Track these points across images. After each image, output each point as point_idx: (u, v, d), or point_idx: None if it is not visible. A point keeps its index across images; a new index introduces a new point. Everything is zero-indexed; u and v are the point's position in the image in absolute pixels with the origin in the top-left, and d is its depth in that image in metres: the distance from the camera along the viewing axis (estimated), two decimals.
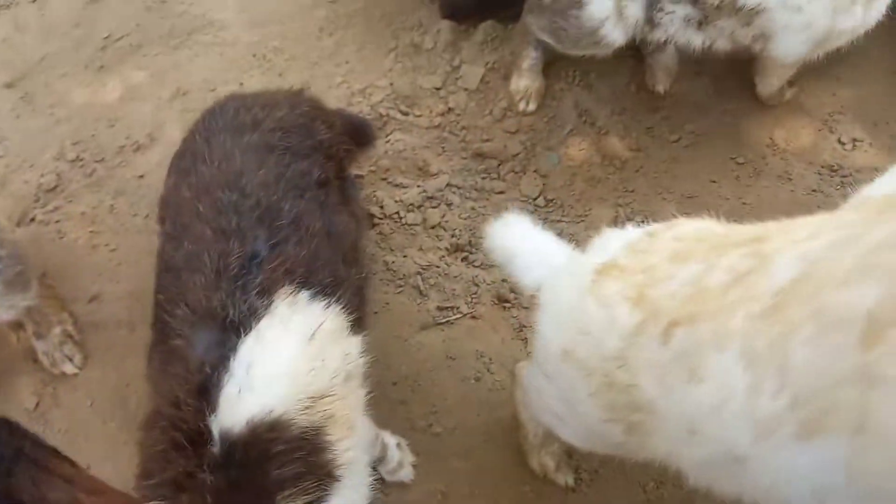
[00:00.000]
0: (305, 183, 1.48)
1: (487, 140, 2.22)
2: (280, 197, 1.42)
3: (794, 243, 0.89)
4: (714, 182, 2.09)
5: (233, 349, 1.21)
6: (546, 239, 1.41)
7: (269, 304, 1.28)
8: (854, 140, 2.10)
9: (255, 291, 1.29)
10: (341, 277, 1.50)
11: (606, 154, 2.19)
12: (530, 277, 1.35)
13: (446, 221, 2.09)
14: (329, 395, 1.25)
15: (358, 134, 2.02)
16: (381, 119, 2.23)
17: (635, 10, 1.83)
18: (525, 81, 2.23)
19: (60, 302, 1.91)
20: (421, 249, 2.04)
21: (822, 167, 2.09)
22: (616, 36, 1.88)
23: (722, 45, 1.87)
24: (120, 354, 1.86)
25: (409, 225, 2.08)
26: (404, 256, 2.02)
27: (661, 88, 2.21)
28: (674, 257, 1.06)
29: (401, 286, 1.98)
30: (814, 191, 2.05)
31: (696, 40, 1.87)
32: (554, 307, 1.23)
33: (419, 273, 1.98)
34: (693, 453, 0.96)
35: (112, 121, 2.18)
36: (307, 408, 1.19)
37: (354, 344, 1.39)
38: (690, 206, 2.07)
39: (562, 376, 1.20)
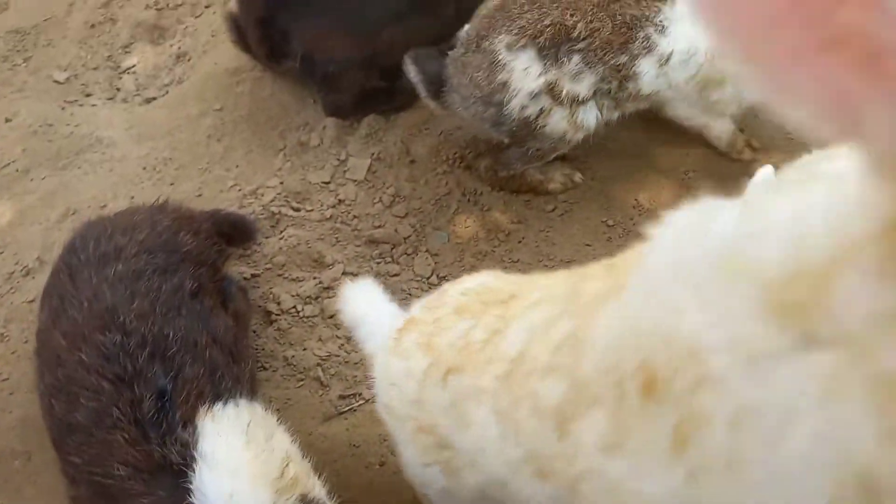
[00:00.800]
0: (180, 298, 1.53)
1: (379, 226, 2.33)
2: (161, 324, 1.47)
3: (524, 309, 1.04)
4: (589, 245, 2.25)
5: (190, 488, 1.24)
6: (386, 307, 1.52)
7: (197, 431, 1.33)
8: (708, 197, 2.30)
9: (179, 427, 1.34)
10: (237, 377, 1.56)
11: (491, 228, 2.32)
12: (370, 344, 1.46)
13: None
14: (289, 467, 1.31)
15: (237, 231, 2.11)
16: (274, 217, 2.32)
17: (587, 115, 2.09)
18: (558, 177, 2.34)
19: None
20: (320, 340, 2.10)
21: None
22: (578, 136, 2.12)
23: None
24: (17, 485, 1.82)
25: (307, 317, 2.15)
26: (304, 349, 2.08)
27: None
28: (456, 310, 1.23)
29: (302, 380, 2.02)
30: None
31: (616, 117, 2.17)
32: (377, 369, 1.37)
33: (319, 364, 2.04)
34: (476, 479, 1.12)
35: (1, 247, 2.20)
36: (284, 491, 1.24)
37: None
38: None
39: (392, 431, 1.34)
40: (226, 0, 2.78)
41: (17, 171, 2.35)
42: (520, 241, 2.29)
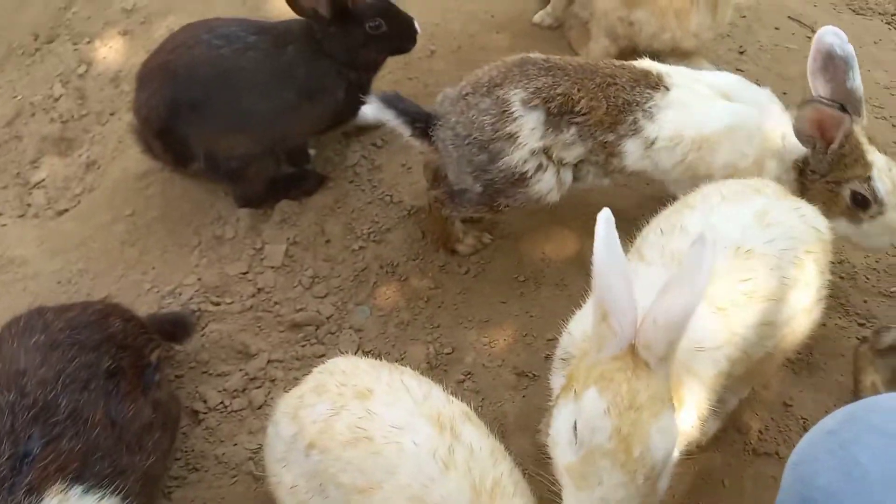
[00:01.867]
0: (91, 374, 1.59)
1: (300, 309, 2.37)
2: (58, 392, 1.52)
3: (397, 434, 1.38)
4: (504, 303, 2.33)
5: None
6: None
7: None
8: None
9: (22, 492, 1.37)
10: (123, 466, 1.57)
11: (410, 297, 2.39)
12: None
13: (272, 398, 2.17)
14: None
15: (176, 329, 2.14)
16: (195, 314, 2.33)
17: (567, 175, 2.19)
18: (469, 240, 2.42)
19: None
20: (250, 433, 2.10)
21: (591, 268, 2.38)
22: (554, 196, 2.19)
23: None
24: None
25: (236, 411, 2.15)
26: (234, 445, 2.08)
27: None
28: (316, 389, 1.49)
29: (235, 476, 2.02)
30: (586, 291, 2.33)
31: (606, 182, 2.28)
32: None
33: (251, 458, 2.03)
34: None
35: None
36: None
37: None
38: (487, 329, 2.28)
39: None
40: (129, 107, 2.83)
41: None
42: (439, 306, 2.36)
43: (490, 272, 2.40)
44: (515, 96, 2.09)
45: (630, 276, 1.27)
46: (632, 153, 2.11)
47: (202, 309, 2.34)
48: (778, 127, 2.09)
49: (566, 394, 1.31)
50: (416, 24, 2.40)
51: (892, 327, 2.12)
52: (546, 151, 2.13)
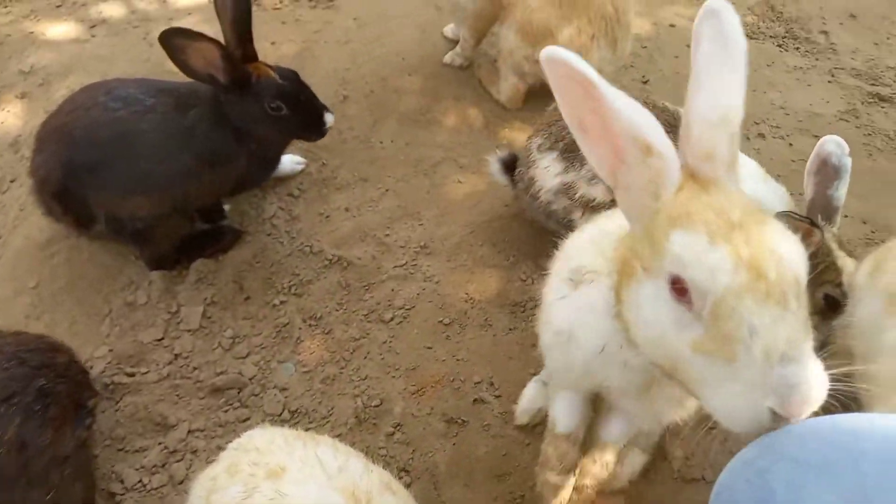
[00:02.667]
0: (18, 388, 1.61)
1: (221, 373, 2.28)
2: None
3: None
4: (430, 348, 2.31)
5: None
6: None
7: None
8: (530, 275, 2.45)
9: None
10: (16, 498, 1.51)
11: (335, 350, 2.33)
12: None
13: (194, 471, 2.07)
14: None
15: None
16: (109, 388, 2.22)
17: None
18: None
19: None
20: None
21: (513, 305, 2.40)
22: None
23: None
24: None
25: (155, 489, 2.04)
26: None
27: None
28: (228, 469, 1.37)
29: None
30: (511, 329, 2.34)
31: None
32: None
33: None
34: None
35: None
36: None
37: None
38: (415, 376, 2.25)
39: None
40: (28, 171, 2.72)
41: None
42: (365, 357, 2.31)
43: (414, 317, 2.38)
44: (534, 143, 2.32)
45: None
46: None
47: (115, 381, 2.23)
48: None
49: (629, 282, 1.10)
50: (329, 117, 2.32)
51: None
52: (568, 191, 2.22)
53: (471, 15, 2.89)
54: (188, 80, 2.17)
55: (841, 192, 2.12)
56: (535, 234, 2.52)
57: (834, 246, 2.05)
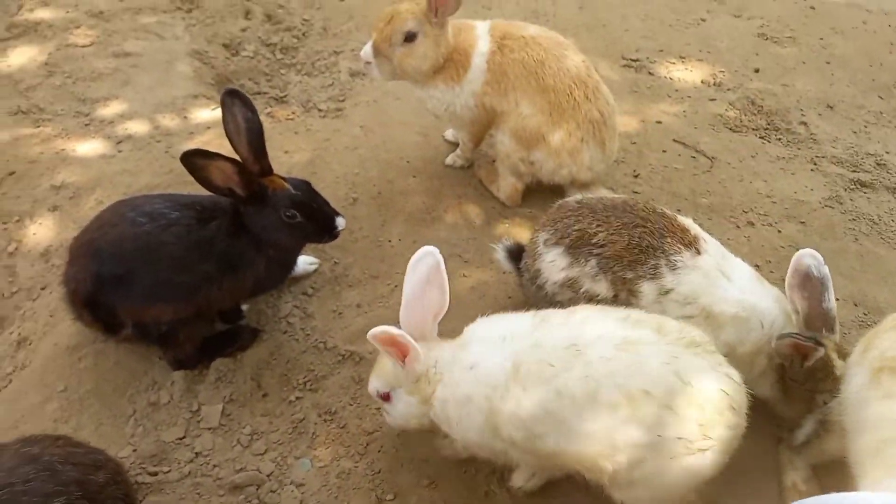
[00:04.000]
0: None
1: (240, 470, 2.36)
2: None
3: None
4: (445, 437, 2.38)
5: None
6: None
7: None
8: None
9: None
10: None
11: (350, 444, 2.41)
12: None
13: None
14: None
15: None
16: (132, 488, 2.30)
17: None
18: None
19: None
20: None
21: None
22: None
23: None
24: None
25: None
26: None
27: None
28: None
29: None
30: None
31: None
32: None
33: None
34: None
35: None
36: None
37: None
38: (428, 469, 2.32)
39: None
40: (60, 280, 2.89)
41: None
42: (379, 451, 2.39)
43: None
44: (541, 237, 2.44)
45: None
46: (647, 295, 2.24)
47: (139, 482, 2.30)
48: (774, 330, 2.22)
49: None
50: (340, 221, 2.47)
51: (804, 424, 2.26)
52: (573, 286, 2.33)
53: (468, 123, 3.12)
54: (209, 193, 2.36)
55: (832, 302, 2.18)
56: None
57: (833, 356, 2.13)
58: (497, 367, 1.89)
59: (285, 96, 4.01)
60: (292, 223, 2.40)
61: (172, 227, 2.33)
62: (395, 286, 2.89)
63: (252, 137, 2.37)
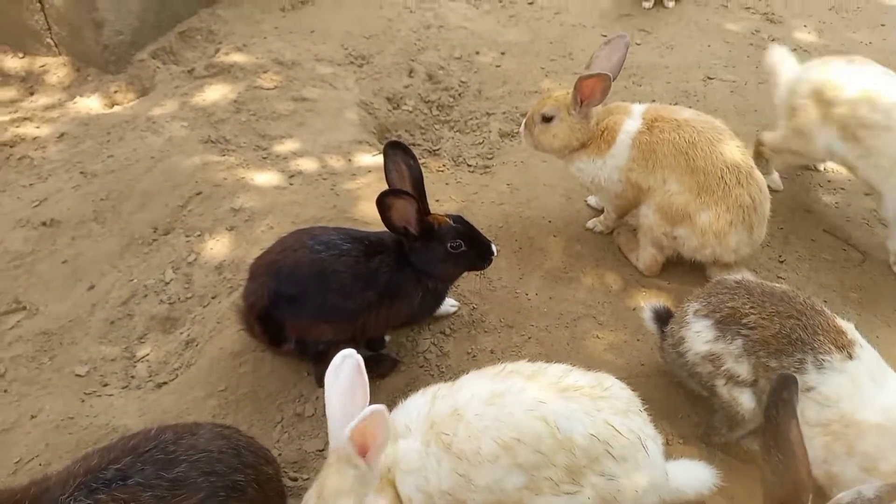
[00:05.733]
0: (220, 470, 1.93)
1: None
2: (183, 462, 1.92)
3: None
4: None
5: None
6: None
7: None
8: (666, 436, 2.57)
9: None
10: None
11: None
12: None
13: None
14: None
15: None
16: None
17: (743, 395, 2.40)
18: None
19: None
20: None
21: None
22: (744, 412, 2.42)
23: None
24: None
25: None
26: None
27: None
28: None
29: None
30: None
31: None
32: None
33: None
34: None
35: None
36: None
37: None
38: None
39: None
40: (230, 292, 3.24)
41: (41, 465, 2.57)
42: None
43: None
44: (691, 307, 2.50)
45: None
46: None
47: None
48: None
49: None
50: (494, 248, 2.75)
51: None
52: (714, 361, 2.38)
53: (613, 196, 3.25)
54: (373, 230, 2.61)
55: None
56: (671, 393, 2.66)
57: None
58: (413, 454, 2.00)
59: (438, 150, 4.32)
60: (457, 253, 2.64)
61: (343, 256, 2.60)
62: (529, 338, 3.02)
63: (415, 181, 2.63)
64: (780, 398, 1.79)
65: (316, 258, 2.61)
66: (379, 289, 2.62)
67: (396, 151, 2.64)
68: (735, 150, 2.97)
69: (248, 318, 2.74)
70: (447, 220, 2.67)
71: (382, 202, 2.47)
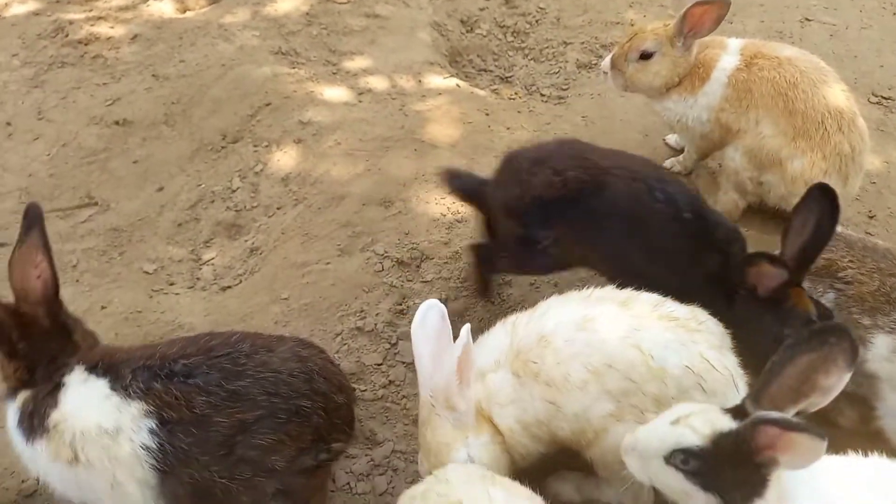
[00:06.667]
0: (285, 392, 1.92)
1: None
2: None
3: None
4: None
5: None
6: None
7: None
8: None
9: None
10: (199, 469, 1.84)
11: None
12: None
13: (393, 487, 2.30)
14: None
15: None
16: None
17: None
18: None
19: None
20: None
21: None
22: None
23: None
24: None
25: (360, 494, 2.29)
26: None
27: None
28: (423, 494, 1.61)
29: None
30: None
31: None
32: None
33: None
34: None
35: None
36: None
37: None
38: None
39: None
40: (294, 203, 3.23)
41: None
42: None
43: None
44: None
45: None
46: (878, 348, 2.10)
47: None
48: None
49: None
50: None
51: None
52: None
53: (697, 137, 3.08)
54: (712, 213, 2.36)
55: None
56: None
57: None
58: (506, 385, 1.96)
59: (510, 77, 4.17)
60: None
61: (675, 222, 2.27)
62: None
63: (810, 242, 2.06)
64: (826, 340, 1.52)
65: (649, 204, 2.28)
66: (680, 285, 2.12)
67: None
68: (839, 95, 2.76)
69: (499, 206, 2.48)
70: (810, 305, 2.10)
71: (750, 259, 2.12)
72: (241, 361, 1.90)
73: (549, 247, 2.43)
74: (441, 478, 1.71)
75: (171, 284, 3.03)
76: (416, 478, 2.33)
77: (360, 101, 3.75)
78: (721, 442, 1.54)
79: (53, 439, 1.82)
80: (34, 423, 1.85)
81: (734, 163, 2.93)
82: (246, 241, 3.21)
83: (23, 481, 2.29)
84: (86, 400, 1.84)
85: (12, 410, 1.91)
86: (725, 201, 3.06)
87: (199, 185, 3.44)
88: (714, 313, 2.00)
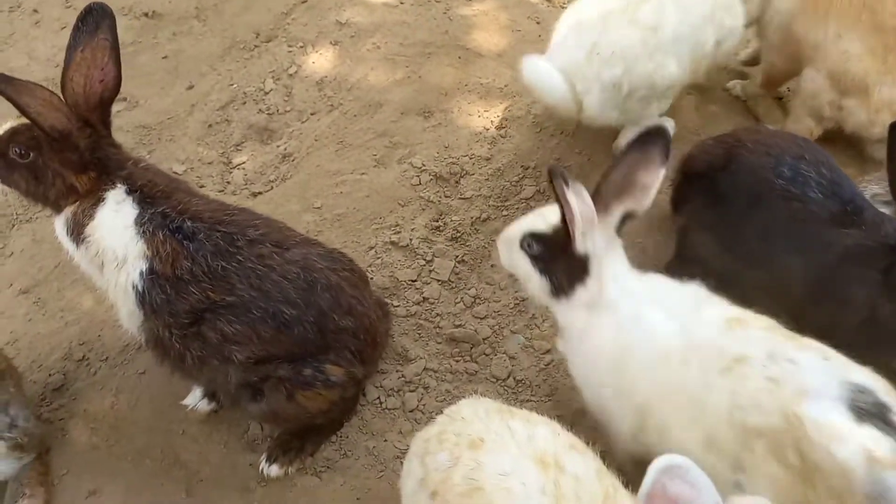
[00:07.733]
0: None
1: (459, 325, 2.45)
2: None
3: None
4: None
5: None
6: None
7: None
8: None
9: None
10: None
11: None
12: None
13: (423, 405, 2.25)
14: None
15: None
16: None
17: None
18: None
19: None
20: (401, 433, 2.18)
21: None
22: None
23: None
24: None
25: (389, 409, 2.25)
26: (385, 440, 2.17)
27: None
28: (439, 435, 1.51)
29: (382, 471, 2.10)
30: None
31: None
32: None
33: (398, 457, 2.11)
34: None
35: (117, 322, 2.39)
36: None
37: None
38: None
39: None
40: (329, 109, 3.08)
41: None
42: None
43: None
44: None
45: None
46: None
47: None
48: None
49: None
50: None
51: None
52: None
53: (771, 51, 2.82)
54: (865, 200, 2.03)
55: None
56: None
57: None
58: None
59: None
60: None
61: (799, 204, 2.00)
62: None
63: None
64: None
65: (767, 179, 2.04)
66: (815, 284, 1.95)
67: None
68: None
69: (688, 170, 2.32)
70: None
71: None
72: (238, 244, 1.87)
73: None
74: (455, 416, 1.61)
75: (201, 187, 2.92)
76: (446, 397, 2.28)
77: (401, 3, 3.51)
78: (559, 231, 1.75)
79: (89, 248, 1.90)
80: (76, 232, 1.91)
81: (815, 84, 2.62)
82: (278, 146, 3.07)
83: (50, 375, 2.28)
84: (112, 222, 1.88)
85: (60, 221, 1.95)
86: (798, 129, 2.82)
87: (231, 84, 3.29)
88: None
